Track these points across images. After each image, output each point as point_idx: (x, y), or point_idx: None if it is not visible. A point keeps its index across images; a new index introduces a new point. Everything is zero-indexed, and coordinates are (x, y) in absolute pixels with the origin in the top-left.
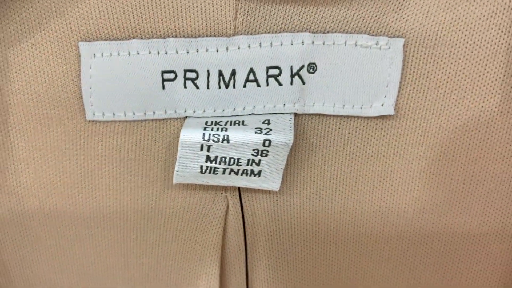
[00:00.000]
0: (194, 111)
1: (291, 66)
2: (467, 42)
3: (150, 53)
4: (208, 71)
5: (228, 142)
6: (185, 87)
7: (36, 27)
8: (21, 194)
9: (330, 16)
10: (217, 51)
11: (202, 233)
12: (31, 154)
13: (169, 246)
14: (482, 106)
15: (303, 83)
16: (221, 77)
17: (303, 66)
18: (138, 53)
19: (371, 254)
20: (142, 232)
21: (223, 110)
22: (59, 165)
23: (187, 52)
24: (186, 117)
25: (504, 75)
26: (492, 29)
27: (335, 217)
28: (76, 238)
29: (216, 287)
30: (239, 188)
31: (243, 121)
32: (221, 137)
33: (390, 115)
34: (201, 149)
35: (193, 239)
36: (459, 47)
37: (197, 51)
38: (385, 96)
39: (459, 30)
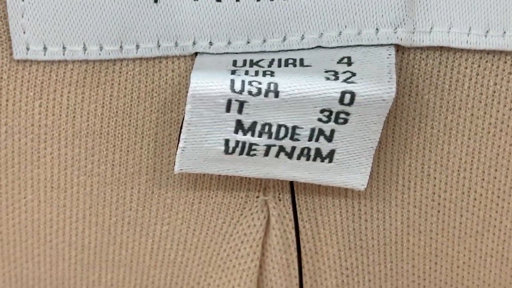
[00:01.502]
0: (210, 42)
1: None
2: None
3: None
4: None
5: (276, 96)
6: None
7: None
8: None
9: None
10: None
11: (233, 252)
12: None
13: (194, 269)
14: None
15: None
16: None
17: None
18: None
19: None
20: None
21: (264, 41)
22: None
23: None
24: (197, 53)
25: None
26: None
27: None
28: None
29: None
30: (291, 186)
31: (301, 60)
32: (263, 88)
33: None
34: (228, 109)
35: (223, 259)
36: None
37: None
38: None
39: None
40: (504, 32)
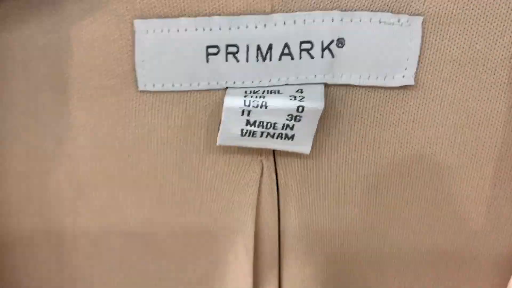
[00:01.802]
0: (234, 82)
1: (322, 41)
2: (480, 20)
3: (196, 29)
4: (247, 45)
5: (266, 107)
6: (226, 60)
7: (96, 6)
8: (77, 157)
9: None
10: (255, 27)
11: (240, 193)
12: (88, 121)
13: (209, 205)
14: (493, 78)
15: (333, 56)
16: (259, 51)
17: (332, 41)
18: (186, 30)
19: (391, 215)
20: (184, 192)
21: (260, 81)
22: (112, 131)
23: (229, 29)
24: (227, 88)
25: None
26: (502, 7)
27: (360, 180)
28: (125, 196)
29: (251, 241)
30: (274, 153)
31: (278, 90)
32: (259, 103)
33: (410, 86)
34: (242, 114)
35: (231, 199)
36: (472, 24)
37: (238, 28)
38: (406, 69)
39: (472, 9)
40: (377, 77)
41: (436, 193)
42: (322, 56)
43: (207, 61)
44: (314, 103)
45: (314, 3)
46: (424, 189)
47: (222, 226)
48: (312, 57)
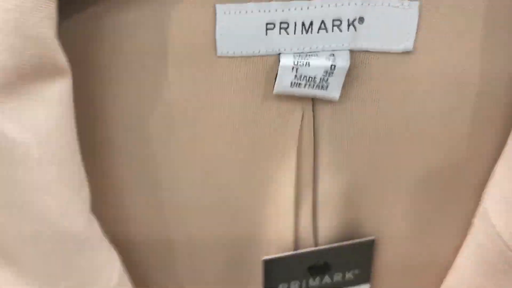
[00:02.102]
0: (284, 49)
1: (348, 19)
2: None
3: (259, 11)
4: (295, 22)
5: (309, 66)
6: (279, 33)
7: None
8: (168, 113)
9: None
10: (301, 9)
11: (286, 135)
12: (176, 87)
13: (261, 144)
14: (482, 44)
15: (355, 30)
16: (303, 27)
17: (355, 19)
18: (252, 12)
19: (401, 147)
20: (249, 129)
21: (304, 48)
22: (190, 94)
23: (282, 11)
24: (280, 53)
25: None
26: None
27: (374, 117)
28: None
29: (293, 172)
30: (312, 101)
31: (317, 54)
32: (304, 63)
33: (410, 51)
34: (292, 70)
35: (279, 138)
36: (461, 2)
37: (288, 10)
38: (407, 39)
39: None
40: (388, 45)
41: (433, 128)
42: (348, 30)
43: (266, 34)
44: (343, 63)
45: None
46: (425, 126)
47: (269, 165)
48: (340, 30)
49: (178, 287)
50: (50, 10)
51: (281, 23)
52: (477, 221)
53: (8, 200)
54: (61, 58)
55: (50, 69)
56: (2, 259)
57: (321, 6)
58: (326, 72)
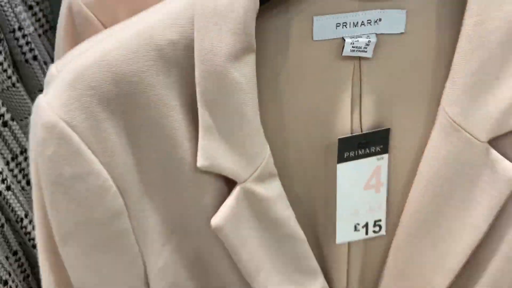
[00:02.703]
0: (346, 35)
1: (374, 20)
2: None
3: (332, 19)
4: (350, 22)
5: (358, 41)
6: (342, 28)
7: (293, 7)
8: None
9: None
10: (352, 17)
11: (347, 74)
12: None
13: (333, 80)
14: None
15: (378, 24)
16: (354, 24)
17: (377, 20)
18: (327, 19)
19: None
20: (325, 76)
21: (355, 33)
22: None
23: (342, 18)
24: (343, 37)
25: None
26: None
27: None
28: None
29: (350, 95)
30: (359, 58)
31: (361, 36)
32: (356, 40)
33: (404, 32)
34: (350, 44)
35: (343, 75)
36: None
37: (346, 17)
38: (401, 27)
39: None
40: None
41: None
42: (373, 25)
43: (336, 28)
44: (373, 40)
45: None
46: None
47: (330, 110)
48: (371, 25)
49: None
50: (255, 15)
51: (343, 23)
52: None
53: None
54: (254, 43)
55: (251, 48)
56: None
57: (362, 15)
58: (366, 44)
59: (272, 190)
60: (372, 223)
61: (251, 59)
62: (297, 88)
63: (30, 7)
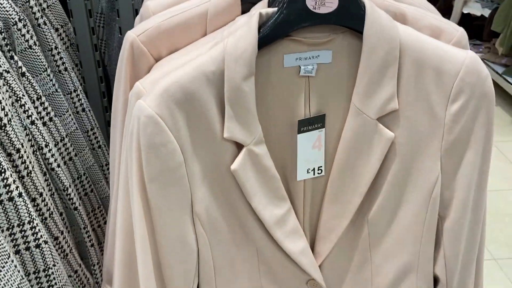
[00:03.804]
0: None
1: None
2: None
3: (294, 54)
4: (304, 56)
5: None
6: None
7: None
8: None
9: None
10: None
11: (300, 89)
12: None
13: (290, 94)
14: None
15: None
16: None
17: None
18: (291, 55)
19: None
20: (286, 91)
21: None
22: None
23: (299, 53)
24: (300, 65)
25: None
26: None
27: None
28: None
29: (303, 106)
30: (308, 77)
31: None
32: (306, 63)
33: (330, 62)
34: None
35: (297, 91)
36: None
37: (301, 53)
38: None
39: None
40: None
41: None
42: (317, 58)
43: (295, 60)
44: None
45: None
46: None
47: (297, 94)
48: (314, 58)
49: None
50: (255, 55)
51: (299, 57)
52: None
53: None
54: (254, 70)
55: (252, 72)
56: None
57: (309, 53)
58: (312, 69)
59: (262, 150)
60: (317, 168)
61: (252, 78)
62: (275, 93)
63: (56, 29)
